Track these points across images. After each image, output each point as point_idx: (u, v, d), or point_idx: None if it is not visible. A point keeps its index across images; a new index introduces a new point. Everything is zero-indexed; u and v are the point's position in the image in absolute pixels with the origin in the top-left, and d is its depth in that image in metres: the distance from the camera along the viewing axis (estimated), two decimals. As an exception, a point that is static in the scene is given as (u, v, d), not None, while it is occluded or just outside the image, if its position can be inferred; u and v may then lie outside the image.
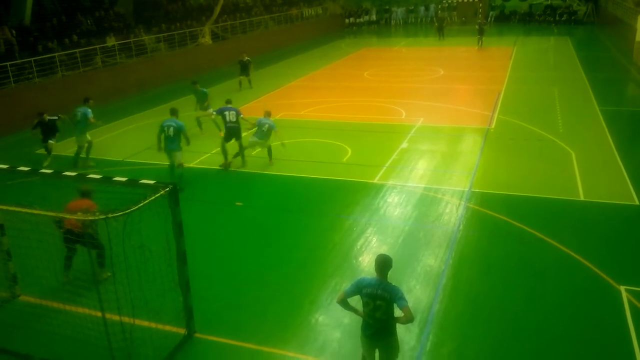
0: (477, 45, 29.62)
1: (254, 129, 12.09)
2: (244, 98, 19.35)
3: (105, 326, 5.89)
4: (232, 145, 12.40)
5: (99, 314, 5.91)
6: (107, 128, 16.65)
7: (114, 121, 17.35)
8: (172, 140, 10.73)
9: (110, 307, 5.90)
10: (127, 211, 5.93)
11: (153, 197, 5.96)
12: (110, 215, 6.54)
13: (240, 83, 20.95)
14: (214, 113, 12.77)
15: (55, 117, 13.47)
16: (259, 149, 12.58)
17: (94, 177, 6.65)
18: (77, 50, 19.71)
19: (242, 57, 20.90)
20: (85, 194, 7.71)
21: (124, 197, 7.89)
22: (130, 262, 7.93)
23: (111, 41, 21.85)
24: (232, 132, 11.98)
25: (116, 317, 5.91)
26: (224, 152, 12.26)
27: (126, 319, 5.97)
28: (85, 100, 13.11)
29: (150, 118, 17.78)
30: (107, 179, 6.80)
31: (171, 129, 10.70)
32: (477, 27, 30.30)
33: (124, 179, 6.52)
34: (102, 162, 13.18)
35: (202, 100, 15.12)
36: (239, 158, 12.28)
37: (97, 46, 20.84)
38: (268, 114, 11.87)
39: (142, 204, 5.89)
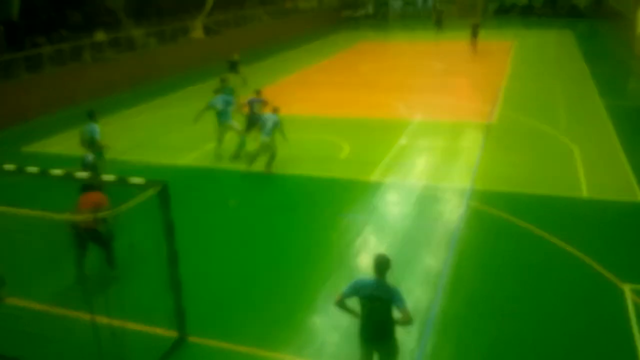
0: (470, 48, 26.25)
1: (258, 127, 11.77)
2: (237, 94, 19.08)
3: (95, 329, 5.77)
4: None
5: (89, 316, 5.81)
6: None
7: (103, 118, 17.08)
8: (224, 113, 12.14)
9: (100, 309, 5.82)
10: (116, 210, 5.77)
11: (143, 196, 5.77)
12: (98, 215, 6.38)
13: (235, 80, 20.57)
14: (246, 103, 12.86)
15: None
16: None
17: (83, 175, 6.49)
18: (65, 45, 19.44)
19: (232, 57, 20.25)
20: (92, 187, 7.43)
21: (113, 195, 7.69)
22: (121, 263, 7.82)
23: (100, 36, 21.58)
24: (254, 122, 12.26)
25: (106, 320, 5.81)
26: (243, 144, 12.51)
27: (116, 322, 5.87)
28: (90, 115, 10.57)
29: (141, 114, 17.61)
30: (96, 178, 6.63)
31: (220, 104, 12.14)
32: (470, 28, 26.44)
33: (113, 177, 6.36)
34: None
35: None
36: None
37: (86, 41, 20.57)
38: (275, 110, 11.69)
39: (131, 203, 5.71)
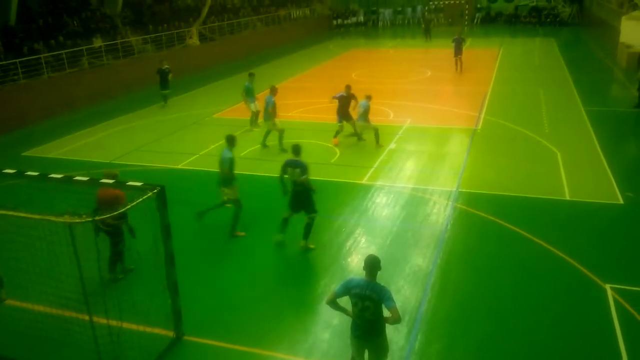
0: (454, 67, 23.60)
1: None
2: (224, 101, 19.24)
3: (93, 329, 5.83)
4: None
5: (86, 317, 5.85)
6: (94, 129, 16.56)
7: (101, 122, 17.24)
8: (264, 111, 13.76)
9: (98, 309, 5.85)
10: (114, 213, 5.89)
11: (141, 199, 5.92)
12: (97, 218, 6.51)
13: (165, 98, 18.98)
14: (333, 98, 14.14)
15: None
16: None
17: (81, 179, 6.59)
18: (63, 51, 19.53)
19: (161, 65, 18.63)
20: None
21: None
22: (118, 264, 7.93)
23: (98, 42, 21.68)
24: (346, 111, 13.96)
25: (103, 320, 5.86)
26: (266, 136, 14.05)
27: (114, 322, 5.92)
28: (228, 141, 9.06)
29: (138, 120, 17.67)
30: (94, 181, 6.75)
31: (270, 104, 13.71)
32: (452, 43, 23.37)
33: (111, 181, 6.49)
34: (89, 164, 13.07)
35: (252, 94, 15.38)
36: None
37: (84, 47, 20.66)
38: (368, 98, 13.33)
39: (129, 206, 5.85)
